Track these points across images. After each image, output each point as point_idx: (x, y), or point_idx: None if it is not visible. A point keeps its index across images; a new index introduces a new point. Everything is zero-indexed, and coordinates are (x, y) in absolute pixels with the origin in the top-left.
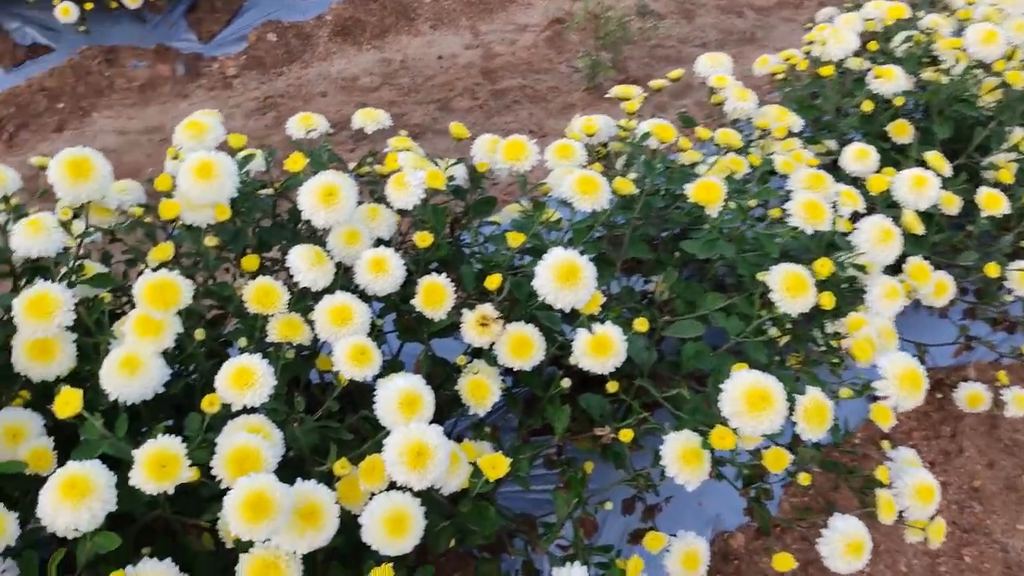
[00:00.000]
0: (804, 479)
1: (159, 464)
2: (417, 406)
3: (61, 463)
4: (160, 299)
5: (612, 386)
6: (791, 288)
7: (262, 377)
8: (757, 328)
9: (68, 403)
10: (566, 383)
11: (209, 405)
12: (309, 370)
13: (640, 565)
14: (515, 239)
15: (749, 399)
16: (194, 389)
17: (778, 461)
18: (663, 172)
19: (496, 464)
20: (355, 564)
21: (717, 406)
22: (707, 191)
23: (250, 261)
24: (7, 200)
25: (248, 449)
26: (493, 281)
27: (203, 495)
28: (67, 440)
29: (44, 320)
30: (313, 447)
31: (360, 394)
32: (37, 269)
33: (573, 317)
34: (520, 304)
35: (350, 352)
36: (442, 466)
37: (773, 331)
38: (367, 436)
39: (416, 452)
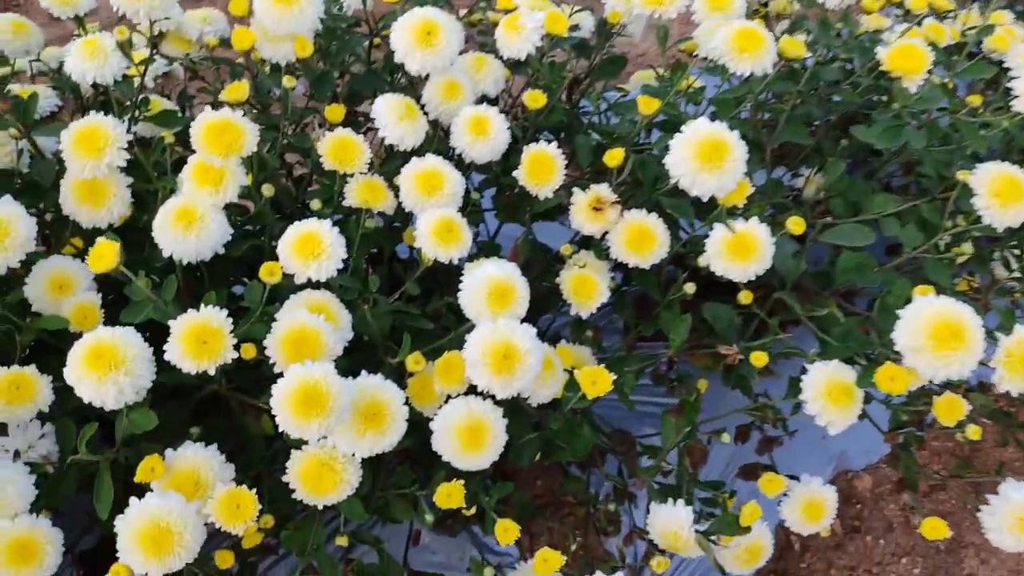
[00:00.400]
0: (974, 432)
1: (199, 339)
2: (509, 299)
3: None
4: (219, 143)
5: (745, 296)
6: (1002, 194)
7: (330, 247)
8: (943, 243)
9: (103, 256)
10: (690, 288)
11: (268, 275)
12: (395, 244)
13: (757, 512)
14: (647, 105)
15: (936, 333)
16: (264, 255)
17: (952, 411)
18: (841, 39)
19: (597, 379)
20: (427, 466)
21: (888, 336)
22: (907, 57)
23: (334, 111)
24: (80, 21)
25: (306, 330)
26: (614, 157)
27: (264, 374)
28: (122, 301)
29: (94, 156)
30: (387, 334)
31: (448, 277)
32: (105, 104)
33: (703, 210)
34: (643, 188)
35: (435, 227)
36: (532, 373)
37: (967, 247)
38: (450, 327)
39: (502, 354)
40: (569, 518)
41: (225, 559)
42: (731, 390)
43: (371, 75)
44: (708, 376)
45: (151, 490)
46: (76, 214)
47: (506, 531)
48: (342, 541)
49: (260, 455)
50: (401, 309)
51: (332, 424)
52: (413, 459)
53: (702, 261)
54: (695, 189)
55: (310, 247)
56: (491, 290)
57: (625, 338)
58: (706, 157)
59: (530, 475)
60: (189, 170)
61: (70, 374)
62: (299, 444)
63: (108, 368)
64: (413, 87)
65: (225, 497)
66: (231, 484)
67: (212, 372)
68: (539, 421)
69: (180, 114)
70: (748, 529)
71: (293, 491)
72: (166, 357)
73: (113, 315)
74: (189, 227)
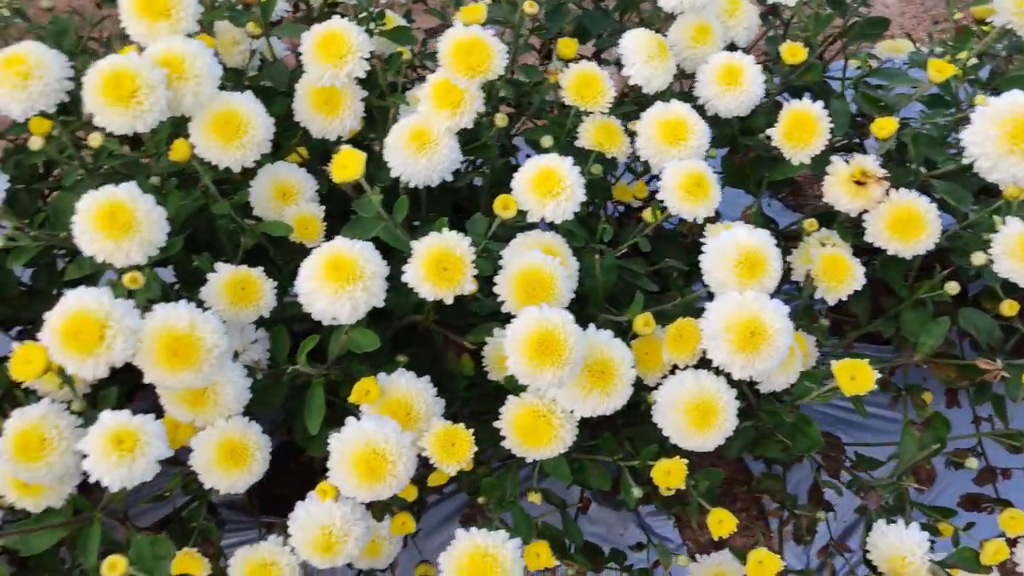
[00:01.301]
0: None
1: (440, 265)
2: (760, 270)
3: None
4: (467, 62)
5: (1010, 308)
6: None
7: (571, 187)
8: None
9: (347, 165)
10: (952, 287)
11: (503, 208)
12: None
13: (1003, 552)
14: (939, 71)
15: None
16: (478, 191)
17: None
18: None
19: (857, 374)
20: (632, 437)
21: None
22: None
23: (567, 45)
24: None
25: (541, 273)
26: (884, 127)
27: (472, 311)
28: (337, 216)
29: (334, 63)
30: (608, 290)
31: (663, 242)
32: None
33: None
34: (910, 167)
35: (684, 180)
36: (778, 357)
37: None
38: (679, 293)
39: (749, 331)
40: (740, 515)
41: (409, 492)
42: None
43: (600, 13)
44: (935, 389)
45: (353, 413)
46: (308, 122)
47: (721, 522)
48: (535, 498)
49: (459, 394)
50: (626, 265)
51: (566, 375)
52: (615, 426)
53: (977, 260)
54: (995, 174)
55: (549, 184)
56: (741, 258)
57: (845, 335)
58: (1020, 137)
59: (704, 462)
60: (428, 89)
61: (305, 284)
62: (518, 389)
63: (347, 281)
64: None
65: (441, 433)
66: (443, 420)
67: (449, 300)
68: (754, 412)
69: None
70: (990, 569)
71: (503, 438)
72: (404, 279)
73: (329, 230)
74: (422, 149)
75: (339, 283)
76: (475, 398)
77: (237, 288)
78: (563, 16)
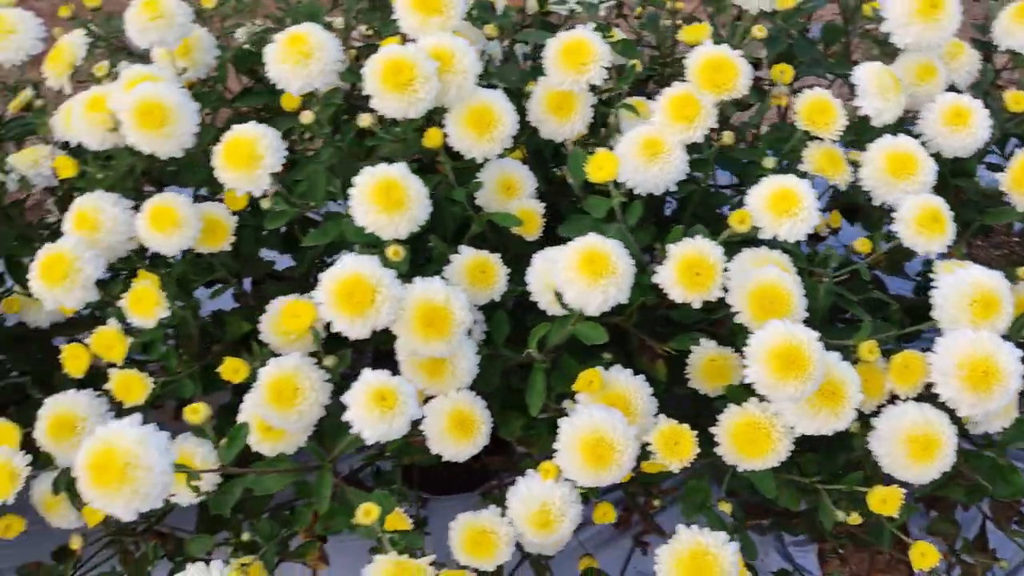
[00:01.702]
0: None
1: (694, 270)
2: (993, 310)
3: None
4: (713, 79)
5: None
6: None
7: (808, 209)
8: None
9: (603, 167)
10: None
11: (739, 222)
12: None
13: None
14: None
15: None
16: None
17: None
18: None
19: None
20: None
21: None
22: None
23: (784, 71)
24: None
25: (779, 290)
26: None
27: (672, 319)
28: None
29: (577, 70)
30: (827, 314)
31: None
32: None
33: None
34: None
35: (919, 214)
36: (1007, 399)
37: None
38: (903, 323)
39: (982, 370)
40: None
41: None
42: None
43: (807, 42)
44: None
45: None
46: (541, 123)
47: (923, 555)
48: (725, 507)
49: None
50: (840, 292)
51: (807, 391)
52: (813, 447)
53: None
54: None
55: (787, 204)
56: (977, 296)
57: None
58: None
59: None
60: (665, 102)
61: (563, 274)
62: (740, 399)
63: (600, 275)
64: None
65: (667, 431)
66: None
67: (697, 305)
68: None
69: None
70: None
71: (716, 444)
72: (655, 279)
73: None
74: (653, 158)
75: (593, 276)
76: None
77: (477, 271)
78: (782, 42)
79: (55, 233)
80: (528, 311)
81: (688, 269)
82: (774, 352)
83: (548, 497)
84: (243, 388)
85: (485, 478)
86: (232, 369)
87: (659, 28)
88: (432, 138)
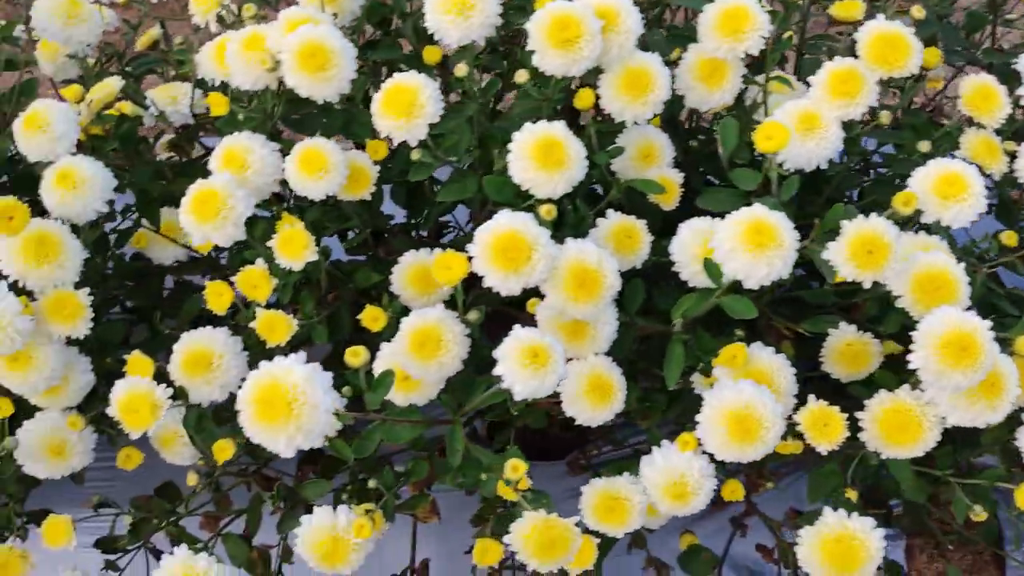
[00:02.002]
0: None
1: (866, 248)
2: None
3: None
4: (884, 56)
5: None
6: None
7: (976, 195)
8: None
9: (771, 136)
10: None
11: (904, 204)
12: None
13: None
14: None
15: None
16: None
17: None
18: None
19: None
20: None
21: None
22: None
23: (933, 54)
24: None
25: (946, 276)
26: None
27: (805, 301)
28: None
29: (735, 38)
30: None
31: None
32: None
33: None
34: None
35: None
36: None
37: None
38: None
39: None
40: (968, 556)
41: None
42: None
43: (951, 27)
44: None
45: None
46: (688, 90)
47: None
48: (852, 494)
49: None
50: (991, 285)
51: (975, 380)
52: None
53: None
54: None
55: (956, 188)
56: None
57: None
58: None
59: None
60: (825, 75)
61: (726, 243)
62: (892, 385)
63: (767, 247)
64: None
65: (817, 412)
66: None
67: (867, 284)
68: None
69: None
70: None
71: (860, 430)
72: (824, 256)
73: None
74: (809, 133)
75: (759, 247)
76: None
77: (623, 236)
78: (933, 25)
79: (185, 171)
80: (653, 284)
81: (861, 247)
82: (945, 339)
83: (686, 469)
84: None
85: (572, 448)
86: (372, 317)
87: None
88: (584, 99)
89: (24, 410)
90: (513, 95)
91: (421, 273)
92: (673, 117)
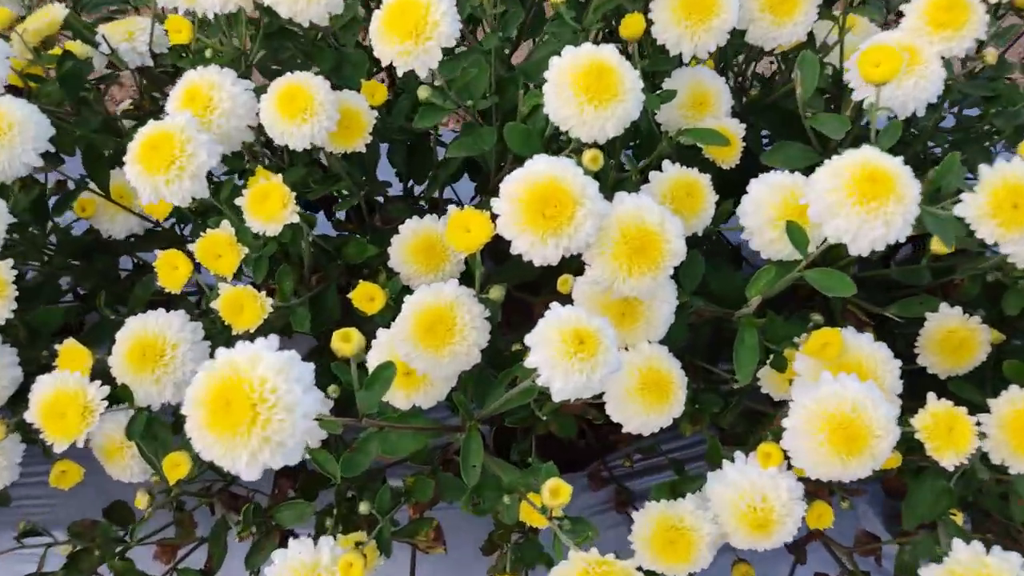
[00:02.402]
0: None
1: (1011, 202)
2: None
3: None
4: (945, 19)
5: None
6: None
7: None
8: None
9: (880, 64)
10: None
11: None
12: None
13: None
14: None
15: None
16: None
17: None
18: None
19: None
20: None
21: None
22: None
23: None
24: None
25: None
26: None
27: (894, 280)
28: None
29: None
30: None
31: None
32: None
33: None
34: None
35: None
36: None
37: None
38: None
39: None
40: None
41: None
42: None
43: None
44: None
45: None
46: (752, 22)
47: None
48: (958, 518)
49: None
50: None
51: None
52: None
53: None
54: None
55: None
56: None
57: None
58: None
59: None
60: (922, 4)
61: (827, 196)
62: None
63: (884, 199)
64: None
65: (940, 415)
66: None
67: (1009, 249)
68: None
69: None
70: None
71: (983, 435)
72: (958, 212)
73: None
74: (908, 71)
75: (875, 200)
76: None
77: (683, 193)
78: None
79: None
80: None
81: (1007, 199)
82: None
83: (770, 489)
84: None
85: (593, 457)
86: (367, 295)
87: None
88: (632, 25)
89: None
90: (527, 46)
91: (426, 244)
92: (725, 62)
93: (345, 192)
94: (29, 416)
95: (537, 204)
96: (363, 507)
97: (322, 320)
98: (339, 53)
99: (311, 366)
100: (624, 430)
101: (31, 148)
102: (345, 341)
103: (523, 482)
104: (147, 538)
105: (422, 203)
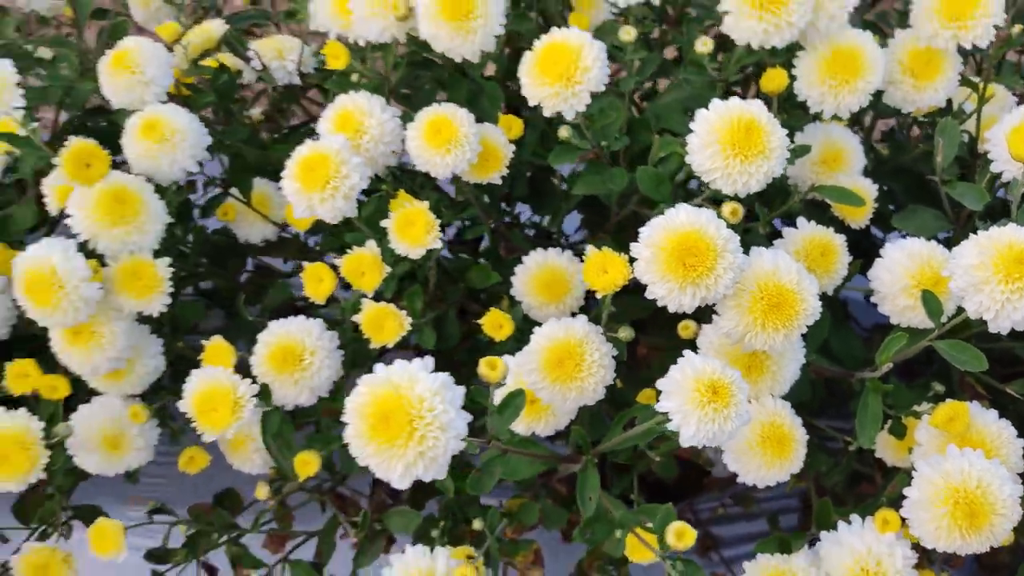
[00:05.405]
0: None
1: None
2: None
3: None
4: None
5: None
6: None
7: None
8: None
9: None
10: None
11: None
12: None
13: None
14: None
15: None
16: None
17: None
18: None
19: None
20: None
21: None
22: None
23: None
24: None
25: None
26: None
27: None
28: None
29: (957, 25)
30: None
31: None
32: None
33: None
34: None
35: None
36: None
37: None
38: None
39: None
40: None
41: None
42: None
43: None
44: None
45: None
46: (892, 84)
47: None
48: None
49: None
50: None
51: None
52: None
53: None
54: None
55: None
56: None
57: None
58: None
59: None
60: None
61: (972, 273)
62: None
63: None
64: None
65: None
66: None
67: None
68: None
69: None
70: None
71: None
72: None
73: None
74: None
75: (1020, 281)
76: None
77: (817, 252)
78: None
79: (287, 138)
80: None
81: None
82: None
83: (885, 556)
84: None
85: (680, 498)
86: (495, 323)
87: None
88: (775, 80)
89: (79, 392)
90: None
91: (549, 277)
92: (857, 119)
93: (472, 220)
94: (183, 406)
95: (678, 253)
96: (476, 524)
97: (442, 340)
98: (475, 85)
99: (462, 390)
100: (739, 480)
101: (190, 155)
102: (492, 368)
103: (634, 519)
104: (259, 527)
105: (544, 233)
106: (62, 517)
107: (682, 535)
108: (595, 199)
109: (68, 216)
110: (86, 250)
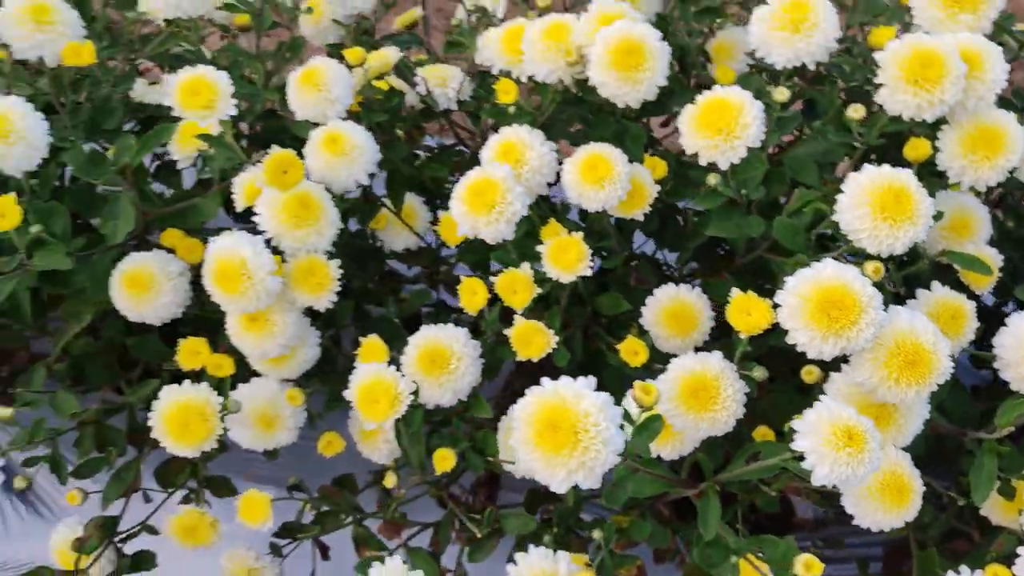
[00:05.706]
0: None
1: None
2: None
3: None
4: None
5: None
6: None
7: None
8: None
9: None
10: None
11: None
12: None
13: None
14: None
15: None
16: None
17: None
18: None
19: None
20: None
21: None
22: None
23: None
24: None
25: None
26: None
27: None
28: None
29: None
30: None
31: None
32: None
33: None
34: None
35: None
36: None
37: None
38: None
39: None
40: None
41: None
42: None
43: None
44: None
45: None
46: None
47: None
48: None
49: None
50: None
51: None
52: None
53: None
54: None
55: None
56: None
57: None
58: None
59: None
60: None
61: None
62: None
63: None
64: None
65: None
66: None
67: None
68: None
69: None
70: None
71: None
72: None
73: None
74: None
75: None
76: None
77: (947, 316)
78: None
79: (438, 158)
80: None
81: None
82: None
83: None
84: None
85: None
86: (632, 350)
87: None
88: (919, 149)
89: (237, 373)
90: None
91: (678, 311)
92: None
93: (608, 251)
94: (348, 396)
95: (823, 305)
96: (596, 534)
97: (570, 359)
98: (620, 125)
99: (620, 409)
100: (855, 522)
101: (364, 168)
102: (646, 393)
103: (749, 547)
104: (376, 514)
105: (655, 264)
106: (193, 484)
107: (810, 567)
108: (714, 240)
109: (256, 214)
110: (269, 247)
